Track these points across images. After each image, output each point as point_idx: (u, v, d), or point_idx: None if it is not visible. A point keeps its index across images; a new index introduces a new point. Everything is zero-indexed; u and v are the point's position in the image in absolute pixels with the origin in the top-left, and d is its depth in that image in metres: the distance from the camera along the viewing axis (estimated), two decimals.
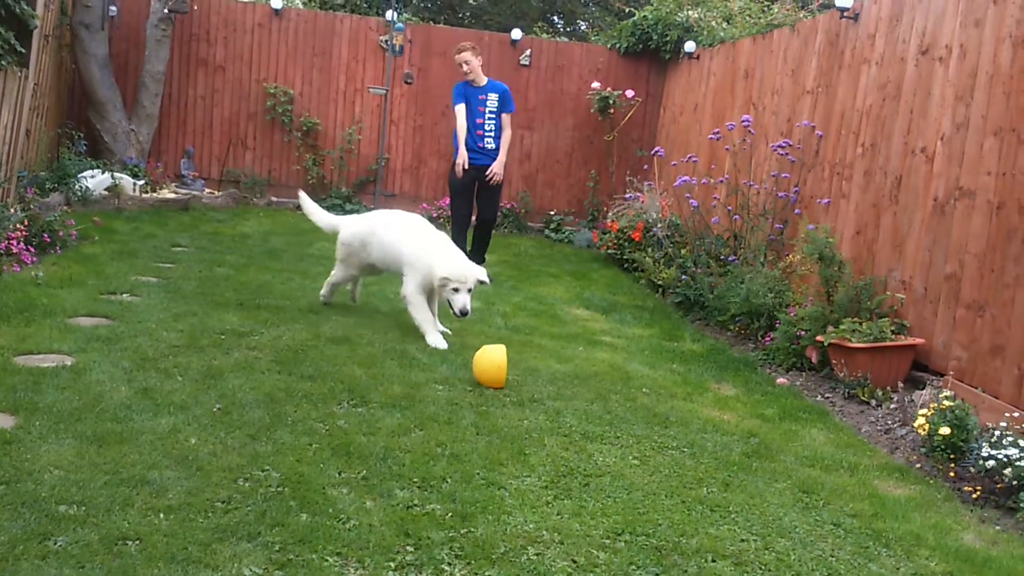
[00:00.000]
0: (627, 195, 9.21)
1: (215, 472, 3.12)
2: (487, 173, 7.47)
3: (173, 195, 9.49)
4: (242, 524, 2.77)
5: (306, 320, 5.36)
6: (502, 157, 7.51)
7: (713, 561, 2.87)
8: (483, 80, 7.50)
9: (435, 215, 10.35)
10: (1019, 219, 4.39)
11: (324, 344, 4.86)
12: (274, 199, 10.51)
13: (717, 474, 3.62)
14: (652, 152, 8.97)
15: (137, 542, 2.60)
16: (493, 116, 7.49)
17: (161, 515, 2.77)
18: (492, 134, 7.48)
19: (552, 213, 10.82)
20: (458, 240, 7.72)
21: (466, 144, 7.42)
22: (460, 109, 7.45)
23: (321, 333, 5.07)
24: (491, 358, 4.49)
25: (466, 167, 7.39)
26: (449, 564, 2.67)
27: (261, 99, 10.41)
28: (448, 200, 10.13)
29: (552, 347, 5.44)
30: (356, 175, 10.61)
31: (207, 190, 10.11)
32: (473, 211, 7.65)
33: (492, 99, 7.50)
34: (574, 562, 2.77)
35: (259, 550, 2.64)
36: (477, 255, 7.60)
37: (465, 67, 7.45)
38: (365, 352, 4.81)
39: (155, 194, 9.28)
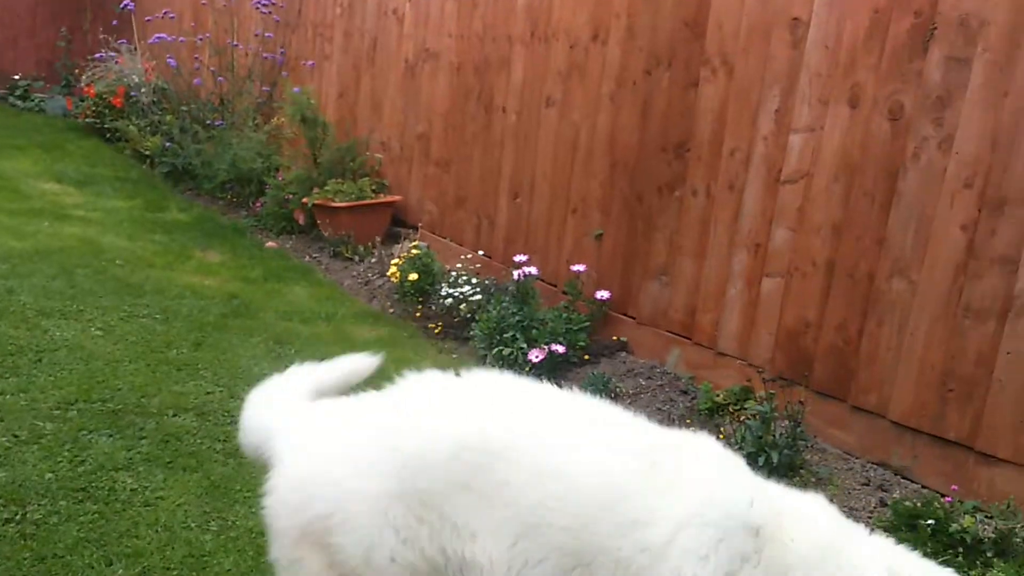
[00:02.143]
0: (99, 54, 8.07)
1: None
2: None
3: None
4: None
5: None
6: None
7: (175, 416, 2.80)
8: None
9: None
10: (475, 80, 4.80)
11: None
12: None
13: (189, 336, 3.47)
14: (122, 6, 7.91)
15: None
16: None
17: None
18: None
19: (16, 77, 9.10)
20: None
21: None
22: None
23: None
24: None
25: None
26: None
27: None
28: None
29: (10, 224, 4.78)
30: None
31: None
32: None
33: None
34: (15, 436, 2.54)
35: None
36: None
37: None
38: None
39: None
